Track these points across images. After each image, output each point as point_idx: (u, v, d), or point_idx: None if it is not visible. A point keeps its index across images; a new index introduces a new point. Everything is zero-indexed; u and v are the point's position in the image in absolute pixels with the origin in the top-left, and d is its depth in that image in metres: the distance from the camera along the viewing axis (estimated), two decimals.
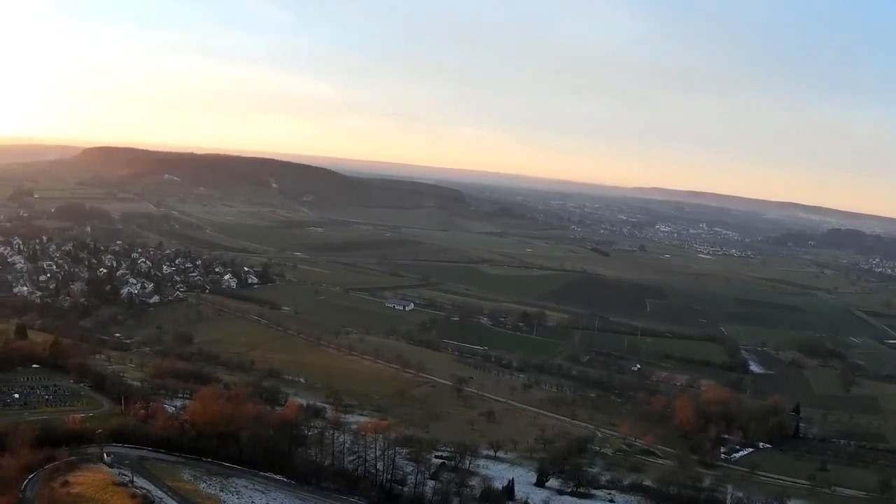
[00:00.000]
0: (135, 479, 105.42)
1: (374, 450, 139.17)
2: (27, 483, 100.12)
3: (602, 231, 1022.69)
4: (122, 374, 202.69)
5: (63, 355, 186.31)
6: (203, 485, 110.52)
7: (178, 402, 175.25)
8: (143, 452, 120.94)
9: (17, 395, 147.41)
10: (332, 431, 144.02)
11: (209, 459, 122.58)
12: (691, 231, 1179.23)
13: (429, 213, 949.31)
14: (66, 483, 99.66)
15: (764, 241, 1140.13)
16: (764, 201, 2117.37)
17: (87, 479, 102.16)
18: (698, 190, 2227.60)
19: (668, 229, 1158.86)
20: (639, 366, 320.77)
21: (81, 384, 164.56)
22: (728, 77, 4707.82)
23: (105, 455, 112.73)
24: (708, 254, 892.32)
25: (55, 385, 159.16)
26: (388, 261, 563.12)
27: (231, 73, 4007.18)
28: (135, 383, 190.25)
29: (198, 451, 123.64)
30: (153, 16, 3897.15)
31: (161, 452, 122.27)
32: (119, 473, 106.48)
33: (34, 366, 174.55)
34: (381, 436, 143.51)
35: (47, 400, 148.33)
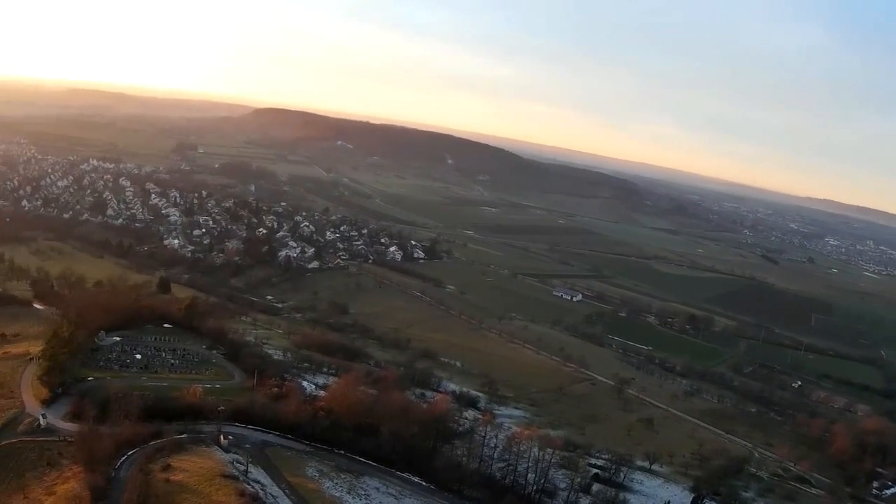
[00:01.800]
0: (250, 469, 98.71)
1: (526, 458, 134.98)
2: (123, 461, 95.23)
3: (773, 238, 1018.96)
4: (264, 342, 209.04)
5: (199, 317, 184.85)
6: (328, 483, 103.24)
7: (321, 380, 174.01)
8: (269, 437, 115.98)
9: (138, 357, 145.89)
10: (484, 430, 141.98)
11: (341, 452, 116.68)
12: (858, 247, 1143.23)
13: (604, 203, 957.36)
14: (167, 467, 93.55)
15: None
16: None
17: (194, 464, 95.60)
18: (867, 206, 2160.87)
19: (835, 243, 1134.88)
20: (799, 383, 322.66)
21: (214, 350, 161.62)
22: None
23: (222, 437, 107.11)
24: (874, 273, 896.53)
25: (184, 349, 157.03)
26: (560, 248, 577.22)
27: (415, 47, 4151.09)
28: (275, 354, 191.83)
29: (330, 441, 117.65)
30: None
31: (288, 439, 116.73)
32: (233, 461, 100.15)
33: (166, 325, 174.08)
34: (535, 444, 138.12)
35: (172, 365, 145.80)
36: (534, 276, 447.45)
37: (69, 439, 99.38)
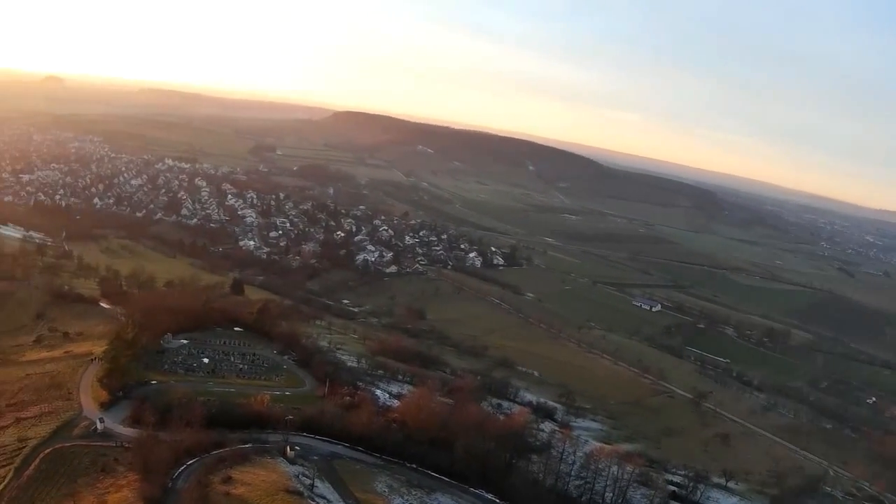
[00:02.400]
0: (316, 483, 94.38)
1: (605, 476, 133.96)
2: (182, 471, 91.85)
3: (849, 251, 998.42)
4: (338, 347, 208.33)
5: (271, 320, 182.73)
6: (398, 500, 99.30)
7: (395, 388, 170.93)
8: (338, 448, 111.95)
9: (205, 360, 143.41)
10: (562, 446, 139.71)
11: (413, 466, 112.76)
12: None
13: (683, 212, 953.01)
14: (227, 479, 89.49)
15: None
16: None
17: (257, 477, 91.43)
18: None
19: None
20: (874, 399, 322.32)
21: (285, 356, 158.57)
22: None
23: (288, 448, 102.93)
24: None
25: (254, 354, 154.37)
26: (640, 257, 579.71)
27: (496, 52, 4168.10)
28: (349, 360, 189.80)
29: (402, 454, 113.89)
30: None
31: (358, 451, 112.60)
32: (299, 475, 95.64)
33: (236, 328, 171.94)
34: (615, 462, 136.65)
35: (240, 370, 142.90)
36: (613, 284, 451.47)
37: (126, 445, 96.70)
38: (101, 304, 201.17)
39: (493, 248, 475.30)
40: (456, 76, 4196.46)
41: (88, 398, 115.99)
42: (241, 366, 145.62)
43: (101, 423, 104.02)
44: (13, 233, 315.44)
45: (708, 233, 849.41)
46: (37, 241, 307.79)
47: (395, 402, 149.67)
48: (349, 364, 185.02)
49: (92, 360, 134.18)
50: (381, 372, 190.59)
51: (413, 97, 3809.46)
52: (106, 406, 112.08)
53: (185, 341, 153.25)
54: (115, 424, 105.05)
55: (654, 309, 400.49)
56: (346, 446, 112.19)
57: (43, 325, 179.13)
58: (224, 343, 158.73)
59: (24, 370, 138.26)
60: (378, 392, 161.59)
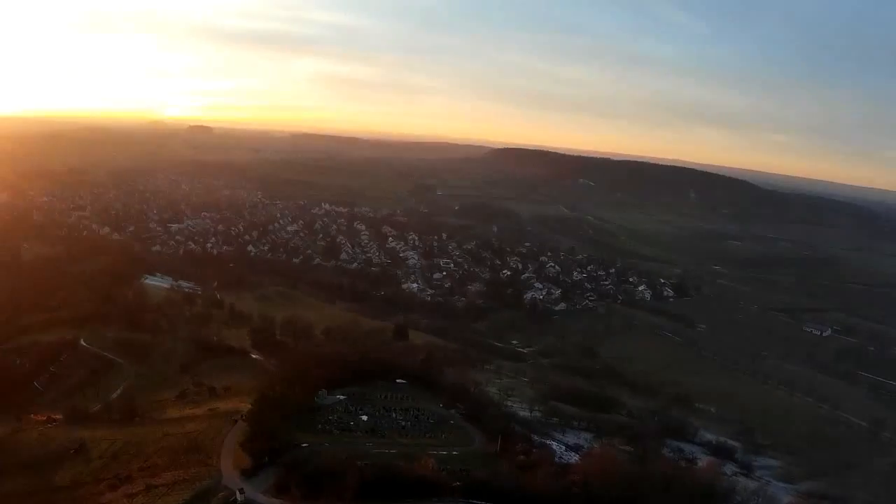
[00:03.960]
0: None
1: None
2: None
3: None
4: (509, 394, 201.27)
5: (437, 369, 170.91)
6: None
7: (571, 438, 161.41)
8: None
9: (364, 418, 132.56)
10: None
11: None
12: None
13: (845, 231, 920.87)
14: None
15: None
16: None
17: None
18: None
19: None
20: None
21: (452, 409, 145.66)
22: None
23: None
24: None
25: (417, 409, 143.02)
26: (807, 280, 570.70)
27: (645, 80, 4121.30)
28: (521, 409, 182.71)
29: None
30: (566, 23, 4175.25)
31: None
32: None
33: (399, 380, 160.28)
34: None
35: (402, 427, 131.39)
36: (783, 311, 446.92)
37: None
38: (252, 355, 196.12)
39: (662, 280, 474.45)
40: (609, 106, 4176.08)
41: (230, 464, 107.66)
42: (403, 422, 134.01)
43: (241, 493, 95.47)
44: (161, 283, 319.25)
45: (871, 252, 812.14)
46: (186, 290, 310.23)
47: (573, 455, 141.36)
48: (521, 414, 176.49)
49: (237, 419, 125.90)
50: (555, 419, 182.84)
51: (569, 130, 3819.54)
52: (249, 473, 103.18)
53: (341, 397, 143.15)
54: (257, 494, 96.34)
55: (824, 333, 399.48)
56: None
57: (188, 379, 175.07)
58: (385, 397, 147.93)
59: (162, 429, 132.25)
60: (553, 444, 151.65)
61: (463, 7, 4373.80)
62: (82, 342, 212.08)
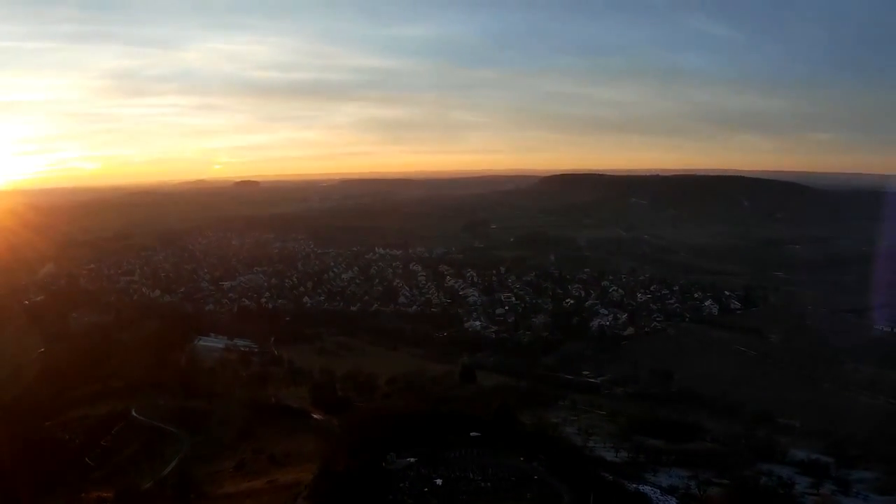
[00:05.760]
0: None
1: None
2: None
3: None
4: (589, 432, 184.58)
5: (512, 416, 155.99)
6: None
7: (664, 478, 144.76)
8: None
9: (438, 482, 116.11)
10: None
11: None
12: None
13: None
14: None
15: None
16: None
17: None
18: None
19: None
20: None
21: (534, 462, 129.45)
22: None
23: None
24: None
25: (496, 465, 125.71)
26: (870, 277, 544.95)
27: (685, 93, 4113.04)
28: (604, 449, 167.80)
29: None
30: (602, 44, 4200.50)
31: None
32: None
33: (472, 433, 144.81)
34: None
35: (481, 489, 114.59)
36: (851, 311, 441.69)
37: None
38: (314, 415, 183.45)
39: (727, 293, 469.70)
40: (651, 123, 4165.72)
41: None
42: (482, 483, 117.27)
43: None
44: (216, 343, 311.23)
45: None
46: (242, 348, 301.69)
47: (671, 500, 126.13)
48: (608, 459, 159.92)
49: (298, 495, 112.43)
50: (642, 458, 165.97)
51: (615, 151, 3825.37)
52: None
53: (412, 459, 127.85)
54: None
55: (895, 329, 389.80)
56: None
57: (246, 446, 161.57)
58: (459, 455, 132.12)
59: None
60: (648, 489, 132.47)
61: (495, 41, 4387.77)
62: (134, 413, 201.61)
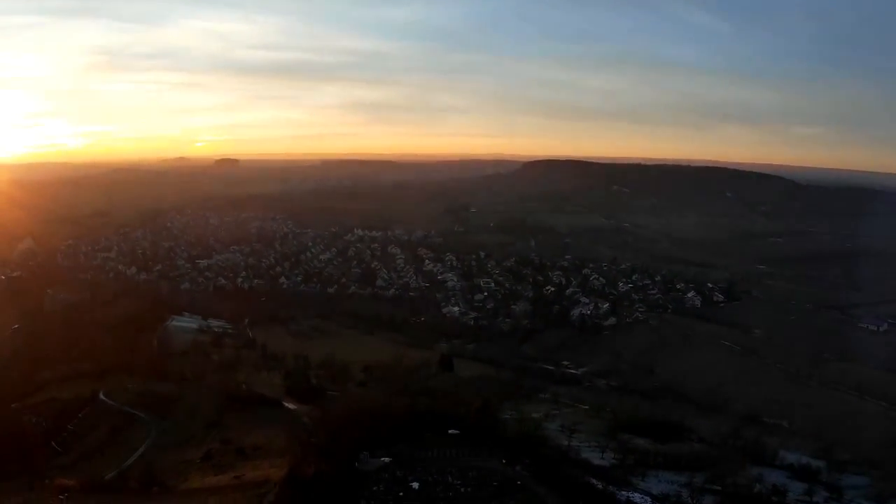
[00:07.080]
0: None
1: None
2: None
3: None
4: (572, 429, 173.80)
5: (492, 415, 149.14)
6: None
7: (653, 484, 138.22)
8: None
9: (415, 485, 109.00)
10: None
11: None
12: None
13: (885, 219, 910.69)
14: None
15: None
16: None
17: None
18: None
19: None
20: None
21: (517, 466, 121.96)
22: None
23: None
24: None
25: (476, 467, 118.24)
26: (853, 273, 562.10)
27: (670, 83, 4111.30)
28: (589, 449, 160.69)
29: None
30: (587, 32, 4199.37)
31: None
32: None
33: (451, 431, 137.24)
34: None
35: (462, 494, 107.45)
36: (834, 307, 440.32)
37: None
38: (286, 404, 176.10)
39: (710, 285, 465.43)
40: (635, 111, 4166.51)
41: None
42: (462, 488, 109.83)
43: None
44: (189, 323, 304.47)
45: None
46: (216, 329, 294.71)
47: None
48: (595, 462, 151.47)
49: (266, 493, 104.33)
50: (630, 460, 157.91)
51: (598, 138, 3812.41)
52: None
53: (386, 460, 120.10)
54: None
55: (881, 329, 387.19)
56: None
57: (215, 435, 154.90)
58: (437, 455, 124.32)
59: None
60: (637, 498, 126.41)
61: (481, 25, 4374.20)
62: (102, 396, 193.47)
